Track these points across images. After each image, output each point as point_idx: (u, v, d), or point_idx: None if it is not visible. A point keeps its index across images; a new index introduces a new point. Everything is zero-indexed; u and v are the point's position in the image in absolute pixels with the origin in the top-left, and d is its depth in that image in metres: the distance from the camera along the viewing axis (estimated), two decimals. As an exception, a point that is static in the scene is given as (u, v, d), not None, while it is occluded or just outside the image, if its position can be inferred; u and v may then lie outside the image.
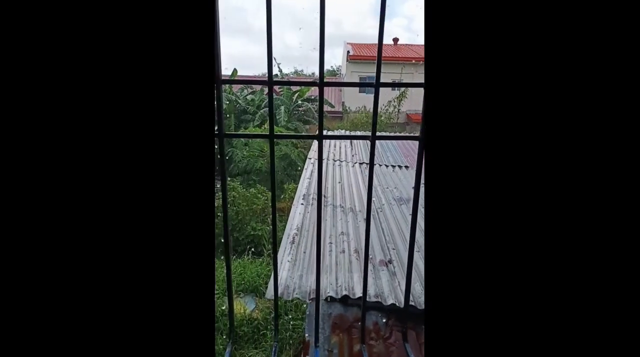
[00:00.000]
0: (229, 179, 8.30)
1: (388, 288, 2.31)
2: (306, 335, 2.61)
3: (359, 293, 2.23)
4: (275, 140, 0.61)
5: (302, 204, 3.69)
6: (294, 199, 4.03)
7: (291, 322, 4.47)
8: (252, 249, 6.60)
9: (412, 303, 2.18)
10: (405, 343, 0.74)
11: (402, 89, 13.30)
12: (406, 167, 5.29)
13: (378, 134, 0.61)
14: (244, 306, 4.95)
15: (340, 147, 6.01)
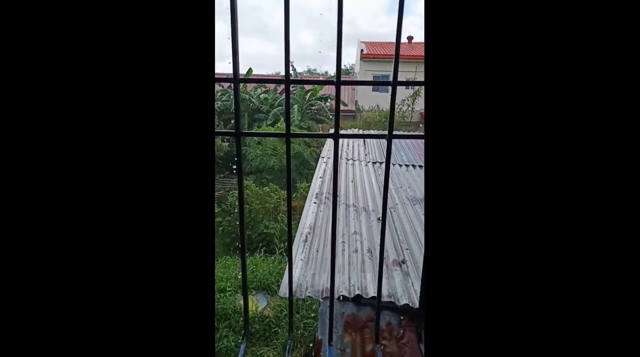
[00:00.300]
0: (242, 177, 8.31)
1: (401, 288, 2.29)
2: (317, 333, 2.61)
3: (371, 293, 2.22)
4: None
5: (314, 202, 3.69)
6: (306, 197, 4.04)
7: (303, 321, 4.49)
8: (264, 247, 6.66)
9: (426, 304, 2.15)
10: (420, 343, 0.74)
11: (416, 87, 13.14)
12: (420, 166, 5.23)
13: (394, 133, 0.61)
14: (256, 303, 4.99)
15: (353, 146, 5.98)
